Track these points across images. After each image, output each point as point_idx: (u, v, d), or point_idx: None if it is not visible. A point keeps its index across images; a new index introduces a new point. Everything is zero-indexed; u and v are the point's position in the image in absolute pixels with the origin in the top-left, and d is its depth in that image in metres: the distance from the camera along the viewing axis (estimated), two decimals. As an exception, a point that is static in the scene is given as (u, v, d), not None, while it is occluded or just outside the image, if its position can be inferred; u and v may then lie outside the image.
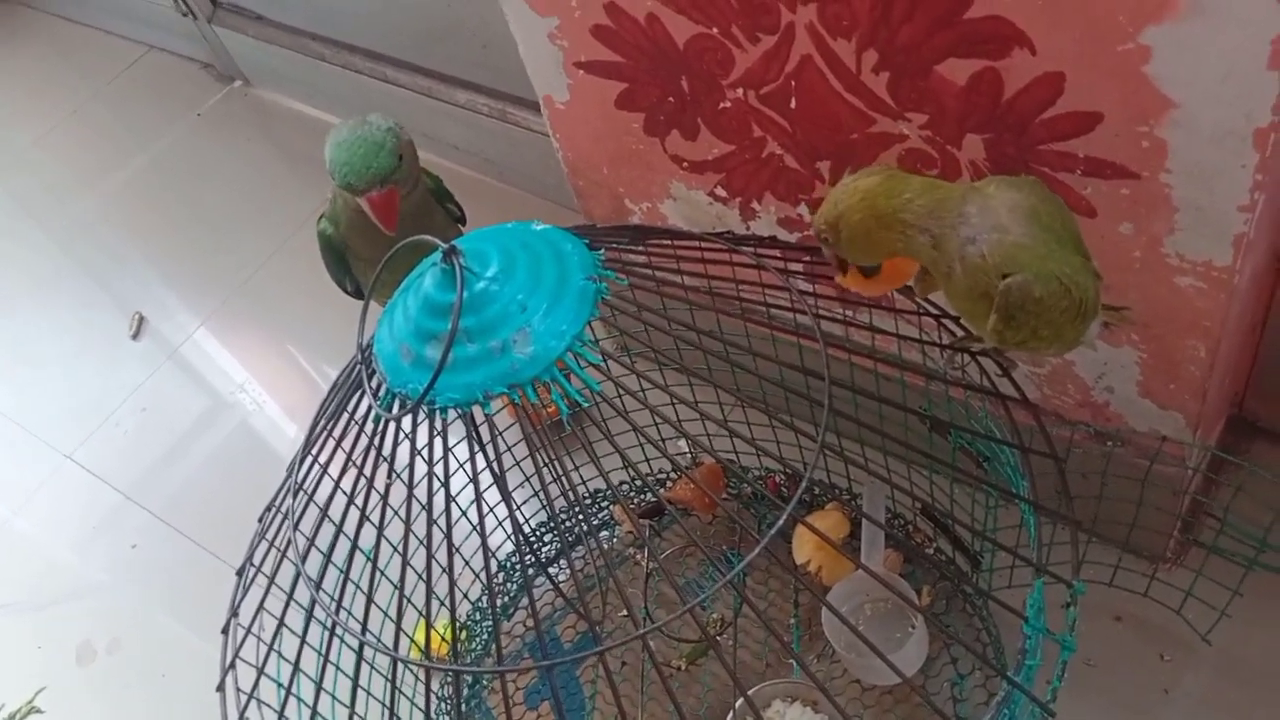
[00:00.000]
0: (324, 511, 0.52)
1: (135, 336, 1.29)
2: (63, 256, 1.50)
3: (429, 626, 0.51)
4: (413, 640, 0.78)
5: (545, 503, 0.64)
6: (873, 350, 0.69)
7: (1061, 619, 0.52)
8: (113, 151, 1.63)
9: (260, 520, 0.60)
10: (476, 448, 0.47)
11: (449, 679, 0.73)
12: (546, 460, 0.49)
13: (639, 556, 0.86)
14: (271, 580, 0.56)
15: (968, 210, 0.48)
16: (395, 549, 0.51)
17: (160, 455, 1.17)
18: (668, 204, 0.85)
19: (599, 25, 0.72)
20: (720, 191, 0.79)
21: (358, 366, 0.47)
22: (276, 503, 0.55)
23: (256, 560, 0.58)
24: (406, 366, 0.44)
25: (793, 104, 0.68)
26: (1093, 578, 0.74)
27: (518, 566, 0.89)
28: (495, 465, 0.47)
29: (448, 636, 0.81)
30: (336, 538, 0.52)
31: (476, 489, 0.50)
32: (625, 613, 0.84)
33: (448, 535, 0.47)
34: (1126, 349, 0.65)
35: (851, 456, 0.62)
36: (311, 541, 0.52)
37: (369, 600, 0.51)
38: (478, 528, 0.48)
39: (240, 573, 0.59)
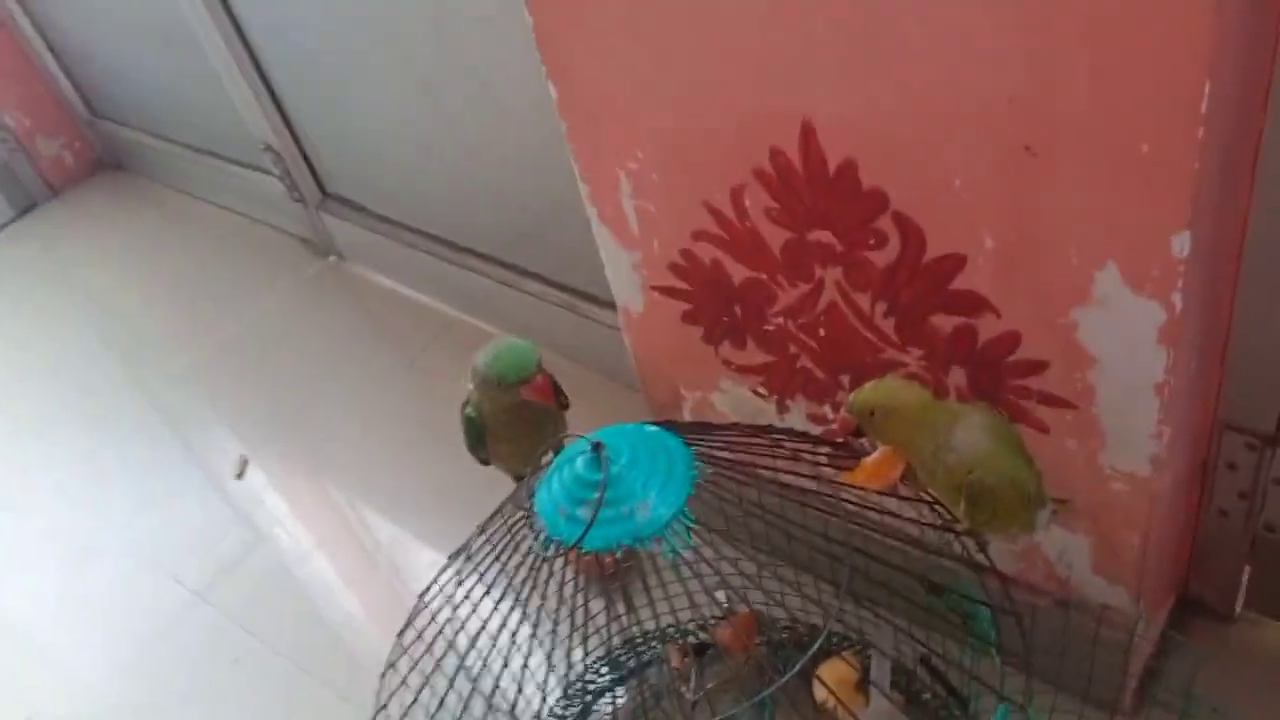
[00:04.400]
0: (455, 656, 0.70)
1: (240, 476, 1.49)
2: (166, 407, 1.71)
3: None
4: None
5: (606, 639, 0.82)
6: (880, 522, 0.88)
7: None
8: (214, 312, 1.86)
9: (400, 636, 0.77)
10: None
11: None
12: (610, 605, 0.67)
13: (684, 689, 1.02)
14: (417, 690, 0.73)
15: (958, 428, 0.69)
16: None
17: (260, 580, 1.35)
18: (716, 395, 1.05)
19: (673, 263, 0.95)
20: (761, 390, 1.00)
21: (520, 517, 0.67)
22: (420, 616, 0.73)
23: (400, 666, 0.75)
24: (562, 522, 0.64)
25: (821, 333, 0.89)
26: (1062, 724, 0.90)
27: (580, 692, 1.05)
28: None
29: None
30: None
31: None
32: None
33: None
34: (1080, 535, 0.84)
35: (861, 617, 0.80)
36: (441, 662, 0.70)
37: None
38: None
39: (383, 675, 0.76)
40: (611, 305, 1.09)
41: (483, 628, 0.73)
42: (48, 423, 1.70)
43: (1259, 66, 0.63)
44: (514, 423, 0.85)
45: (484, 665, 0.76)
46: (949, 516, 0.75)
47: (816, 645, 0.67)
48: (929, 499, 0.77)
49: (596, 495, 0.60)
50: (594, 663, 1.05)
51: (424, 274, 1.68)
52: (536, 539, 0.64)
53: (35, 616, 1.39)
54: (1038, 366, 0.75)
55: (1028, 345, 0.75)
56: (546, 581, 0.68)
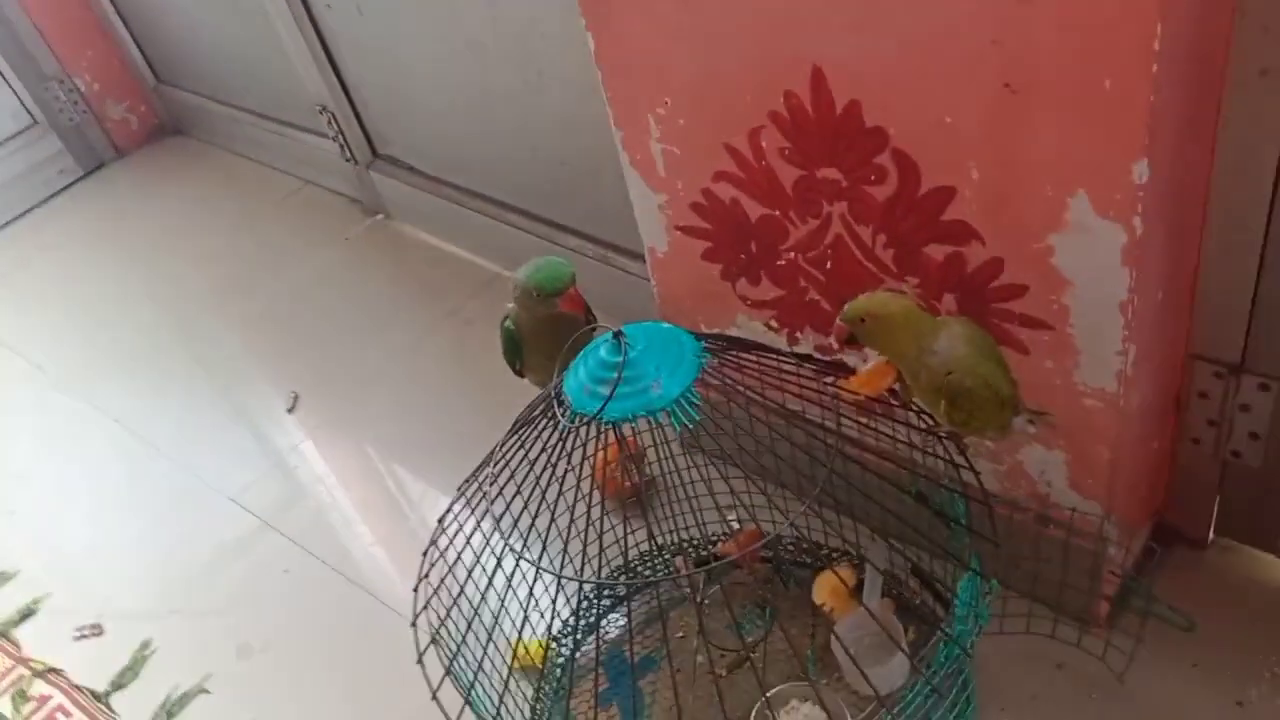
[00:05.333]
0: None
1: (291, 410, 1.60)
2: (226, 348, 1.83)
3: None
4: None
5: (623, 550, 0.91)
6: (877, 440, 0.97)
7: (1005, 673, 0.76)
8: (267, 267, 1.98)
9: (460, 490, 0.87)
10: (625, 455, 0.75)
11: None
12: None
13: (695, 596, 1.12)
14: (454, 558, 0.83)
15: (940, 334, 0.77)
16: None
17: (303, 497, 1.46)
18: (732, 329, 1.14)
19: (695, 202, 1.04)
20: (773, 323, 1.08)
21: (550, 397, 0.76)
22: (471, 483, 0.83)
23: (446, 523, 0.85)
24: (586, 398, 0.73)
25: (828, 265, 0.98)
26: (1039, 632, 0.98)
27: (600, 598, 1.15)
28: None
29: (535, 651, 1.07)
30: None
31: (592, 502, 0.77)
32: (681, 634, 1.09)
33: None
34: (1057, 452, 0.92)
35: (859, 532, 0.89)
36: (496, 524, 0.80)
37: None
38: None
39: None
40: (641, 257, 1.18)
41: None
42: (113, 366, 1.82)
43: (1218, 9, 0.70)
44: (547, 333, 0.94)
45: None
46: (932, 422, 0.84)
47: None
48: (915, 407, 0.86)
49: (616, 374, 0.69)
50: (609, 574, 1.15)
51: (467, 230, 1.79)
52: (564, 413, 0.74)
53: (103, 525, 1.51)
54: (1019, 290, 0.84)
55: (1010, 271, 0.83)
56: (565, 476, 0.78)
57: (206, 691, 1.23)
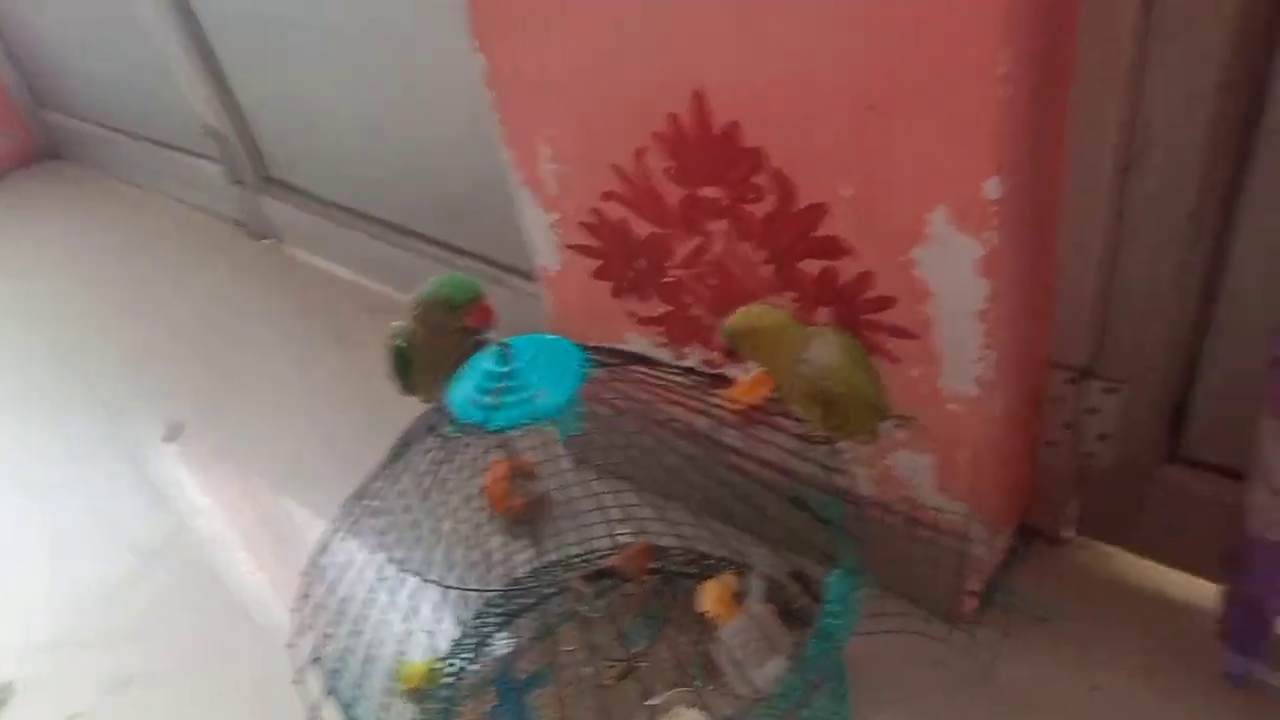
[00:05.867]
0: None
1: (173, 439, 1.55)
2: (106, 377, 1.76)
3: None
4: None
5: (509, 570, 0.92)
6: (758, 449, 1.00)
7: (882, 672, 0.79)
8: (149, 297, 1.92)
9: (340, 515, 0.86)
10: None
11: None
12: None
13: (585, 610, 1.13)
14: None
15: (812, 344, 0.81)
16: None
17: (184, 529, 1.41)
18: (622, 347, 1.16)
19: (586, 221, 1.07)
20: (661, 339, 1.11)
21: (436, 410, 0.77)
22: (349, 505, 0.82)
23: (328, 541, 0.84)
24: (472, 410, 0.74)
25: (712, 281, 1.01)
26: (913, 630, 1.03)
27: (487, 616, 1.14)
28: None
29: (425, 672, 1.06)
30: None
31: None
32: (570, 648, 1.09)
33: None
34: (925, 456, 0.97)
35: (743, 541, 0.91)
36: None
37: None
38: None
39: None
40: (533, 277, 1.20)
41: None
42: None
43: (1062, 34, 0.77)
44: (443, 351, 0.95)
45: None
46: (806, 427, 0.88)
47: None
48: (792, 415, 0.89)
49: (500, 384, 0.71)
50: (495, 595, 1.15)
51: (358, 254, 1.77)
52: (449, 424, 0.74)
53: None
54: (888, 302, 0.89)
55: (879, 284, 0.88)
56: (452, 490, 0.79)
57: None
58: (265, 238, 1.99)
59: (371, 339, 1.68)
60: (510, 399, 0.73)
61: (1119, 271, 0.88)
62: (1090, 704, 0.96)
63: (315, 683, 0.82)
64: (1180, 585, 1.03)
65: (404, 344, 0.97)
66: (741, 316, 0.83)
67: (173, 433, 1.55)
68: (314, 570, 0.88)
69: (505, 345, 0.74)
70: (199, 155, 1.97)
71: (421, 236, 1.66)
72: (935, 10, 0.71)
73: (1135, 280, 0.88)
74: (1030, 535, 1.10)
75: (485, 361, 0.76)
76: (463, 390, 0.77)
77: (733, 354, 0.86)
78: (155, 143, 2.11)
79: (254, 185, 1.90)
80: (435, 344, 0.96)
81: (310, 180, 1.83)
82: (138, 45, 1.83)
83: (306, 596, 0.86)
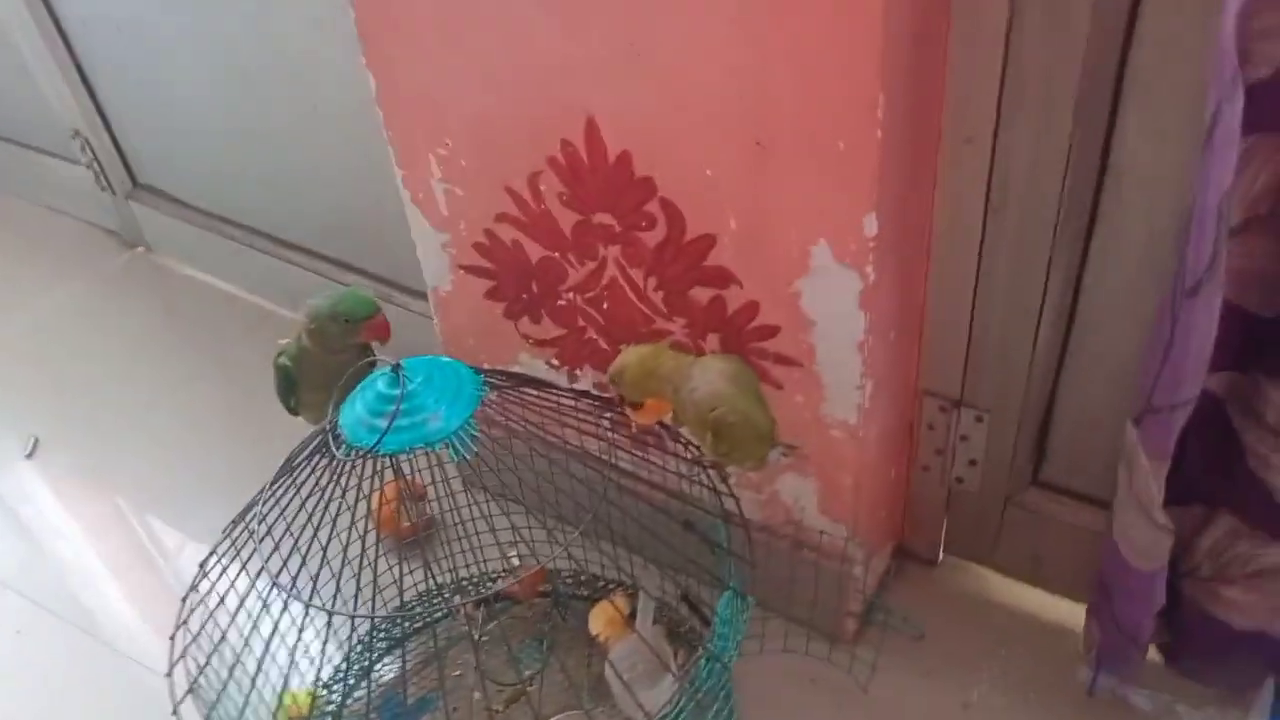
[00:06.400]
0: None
1: (30, 456, 1.46)
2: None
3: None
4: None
5: (400, 591, 0.91)
6: (649, 472, 1.01)
7: (766, 690, 0.82)
8: (8, 305, 1.80)
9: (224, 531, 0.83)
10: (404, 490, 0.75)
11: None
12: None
13: (474, 633, 1.12)
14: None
15: (694, 372, 0.83)
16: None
17: (41, 552, 1.33)
18: (515, 367, 1.16)
19: (478, 242, 1.06)
20: (554, 361, 1.12)
21: (325, 432, 0.75)
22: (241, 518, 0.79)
23: (208, 566, 0.81)
24: (364, 432, 0.73)
25: (605, 306, 1.02)
26: (794, 649, 1.06)
27: (374, 641, 1.12)
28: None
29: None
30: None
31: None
32: (459, 673, 1.08)
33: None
34: (809, 479, 1.00)
35: (634, 563, 0.93)
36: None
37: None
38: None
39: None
40: (424, 295, 1.18)
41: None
42: None
43: (930, 84, 0.81)
44: (333, 369, 0.93)
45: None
46: (697, 452, 0.90)
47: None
48: (683, 440, 0.91)
49: (394, 406, 0.70)
50: (381, 620, 1.13)
51: (238, 266, 1.71)
52: (339, 446, 0.73)
53: None
54: (772, 331, 0.91)
55: (764, 312, 0.91)
56: (339, 513, 0.77)
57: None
58: (136, 246, 1.90)
59: (254, 356, 1.61)
60: (403, 422, 0.72)
61: (983, 305, 0.94)
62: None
63: (193, 715, 0.79)
64: (1047, 605, 1.09)
65: (290, 363, 0.95)
66: (616, 364, 0.85)
67: (31, 448, 1.47)
68: (193, 596, 0.84)
69: (399, 367, 0.73)
70: (65, 158, 1.87)
71: (308, 251, 1.61)
72: (817, 50, 0.74)
73: (999, 315, 0.93)
74: (905, 556, 1.15)
75: (378, 383, 0.75)
76: (354, 412, 0.75)
77: (623, 399, 0.87)
78: (16, 143, 1.98)
79: (124, 192, 1.82)
80: (325, 361, 0.94)
81: (185, 189, 1.76)
82: (-2, 41, 1.73)
83: (184, 624, 0.83)
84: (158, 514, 1.39)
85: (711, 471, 0.90)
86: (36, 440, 1.48)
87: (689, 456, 0.90)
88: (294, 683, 1.00)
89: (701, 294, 0.94)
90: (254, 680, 0.83)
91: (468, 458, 0.74)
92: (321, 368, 0.93)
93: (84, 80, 1.70)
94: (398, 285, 1.50)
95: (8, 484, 1.44)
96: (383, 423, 0.72)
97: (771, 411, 0.87)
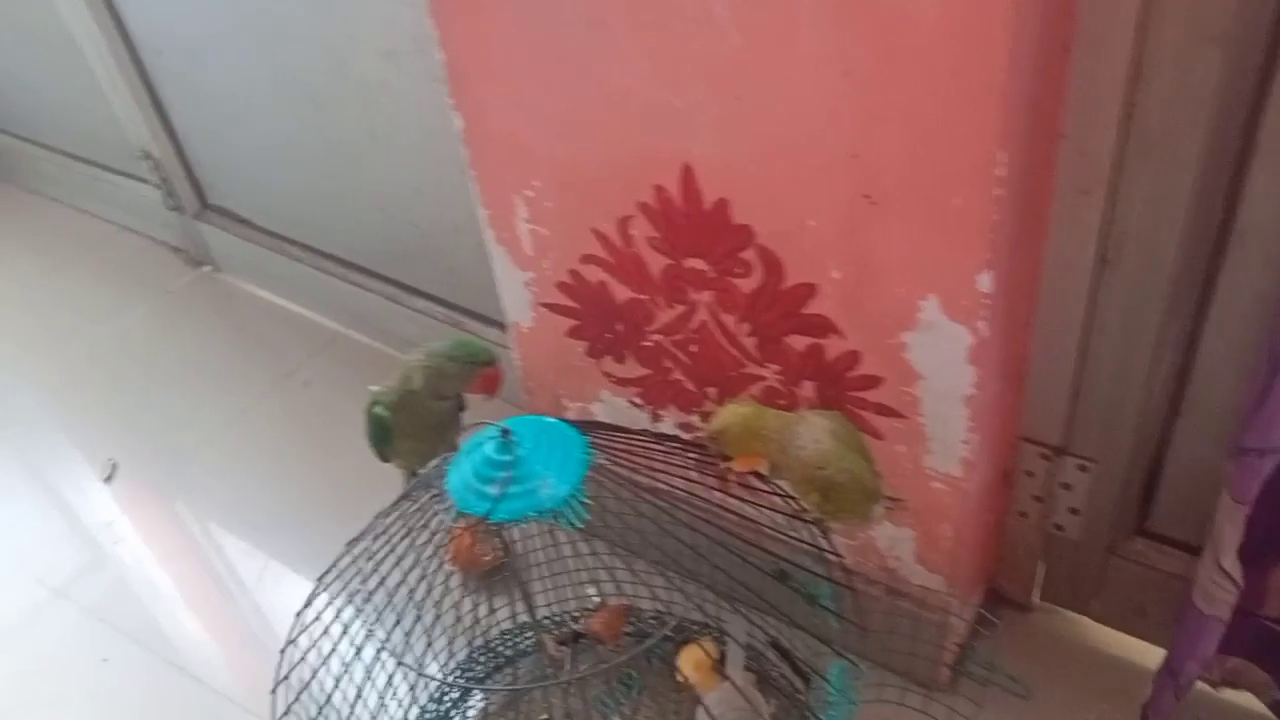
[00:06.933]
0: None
1: (109, 480, 1.48)
2: (37, 406, 1.67)
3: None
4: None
5: (482, 632, 0.90)
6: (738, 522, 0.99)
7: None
8: (78, 322, 1.82)
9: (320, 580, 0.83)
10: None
11: None
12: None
13: (558, 675, 1.11)
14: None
15: (800, 429, 0.81)
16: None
17: (124, 580, 1.35)
18: (596, 405, 1.15)
19: (562, 282, 1.05)
20: (637, 400, 1.10)
21: (428, 495, 0.74)
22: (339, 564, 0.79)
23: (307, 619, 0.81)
24: (472, 498, 0.72)
25: (693, 349, 1.00)
26: (889, 699, 1.03)
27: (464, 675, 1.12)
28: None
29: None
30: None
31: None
32: (544, 716, 1.07)
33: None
34: (906, 529, 0.98)
35: (720, 607, 0.91)
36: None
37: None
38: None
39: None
40: (496, 322, 1.17)
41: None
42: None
43: (1047, 142, 0.78)
44: (433, 418, 0.92)
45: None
46: (798, 507, 0.87)
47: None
48: (781, 493, 0.89)
49: (505, 474, 0.69)
50: (470, 654, 1.12)
51: (306, 287, 1.72)
52: (448, 512, 0.72)
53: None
54: (874, 381, 0.89)
55: (866, 362, 0.88)
56: (436, 571, 0.76)
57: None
58: (203, 265, 1.91)
59: (322, 377, 1.63)
60: (514, 489, 0.71)
61: (1093, 357, 0.90)
62: (1059, 771, 0.98)
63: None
64: (1150, 655, 1.06)
65: (386, 413, 0.93)
66: (720, 423, 0.82)
67: (110, 472, 1.48)
68: (292, 651, 0.84)
69: (507, 431, 0.71)
70: (134, 177, 1.88)
71: (375, 274, 1.61)
72: (935, 110, 0.71)
73: (1108, 366, 0.90)
74: (998, 601, 1.12)
75: (485, 447, 0.74)
76: (461, 475, 0.74)
77: (724, 455, 0.85)
78: (87, 161, 2.01)
79: (193, 212, 1.83)
80: (428, 407, 0.93)
81: (254, 210, 1.76)
82: (65, 58, 1.74)
83: (286, 679, 0.83)
84: (234, 540, 1.40)
85: (814, 528, 0.88)
86: (115, 465, 1.50)
87: (789, 511, 0.88)
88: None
89: (798, 341, 0.91)
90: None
91: (579, 526, 0.72)
92: (422, 415, 0.91)
93: (155, 102, 1.71)
94: (467, 311, 1.50)
95: (88, 508, 1.46)
96: (493, 490, 0.71)
97: (877, 467, 0.84)
